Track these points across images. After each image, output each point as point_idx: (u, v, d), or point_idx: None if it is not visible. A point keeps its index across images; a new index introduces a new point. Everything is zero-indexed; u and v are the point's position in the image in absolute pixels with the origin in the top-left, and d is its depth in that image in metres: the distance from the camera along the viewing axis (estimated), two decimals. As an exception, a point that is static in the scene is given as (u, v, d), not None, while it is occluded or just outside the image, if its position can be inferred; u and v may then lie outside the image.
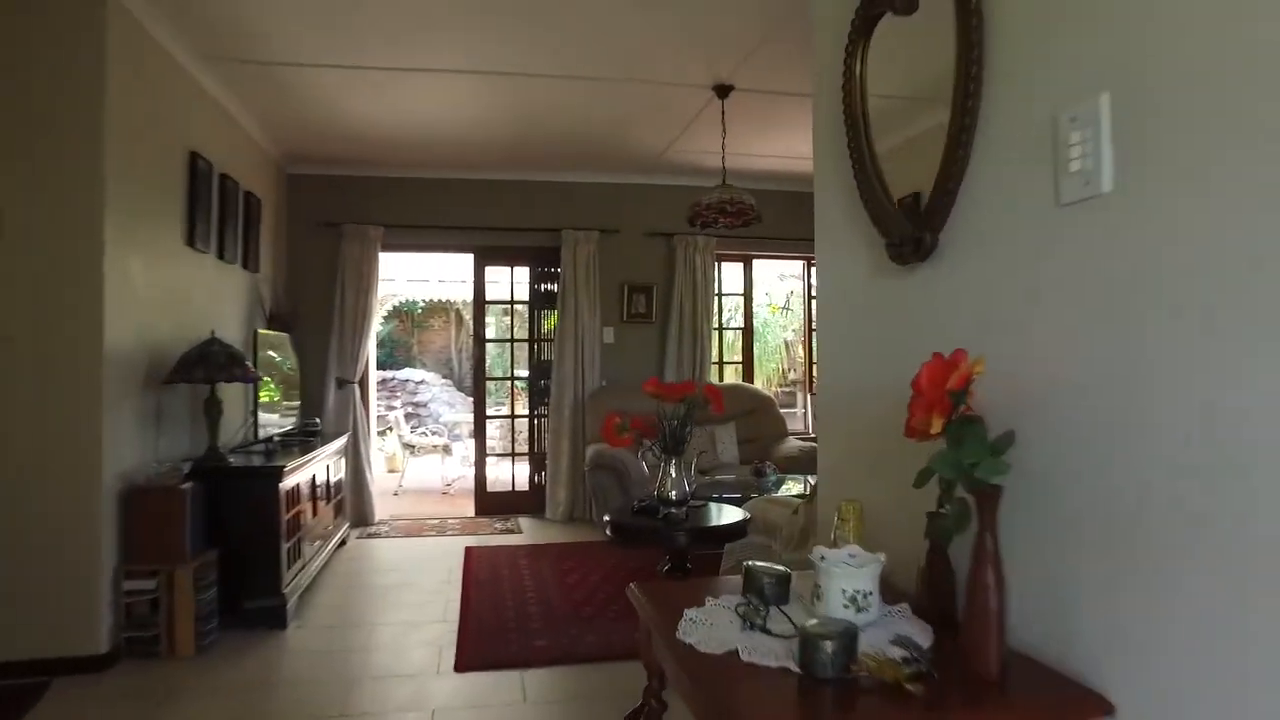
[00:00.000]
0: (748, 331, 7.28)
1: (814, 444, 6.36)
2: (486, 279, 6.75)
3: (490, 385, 7.43)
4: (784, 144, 5.98)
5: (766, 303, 9.08)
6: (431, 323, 14.24)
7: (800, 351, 7.52)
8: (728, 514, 3.11)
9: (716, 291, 6.97)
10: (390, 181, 6.44)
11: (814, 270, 7.58)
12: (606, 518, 3.12)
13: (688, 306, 6.83)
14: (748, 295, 7.26)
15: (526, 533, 6.05)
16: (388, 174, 6.42)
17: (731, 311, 7.23)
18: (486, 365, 6.83)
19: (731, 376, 7.58)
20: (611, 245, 6.77)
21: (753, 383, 7.33)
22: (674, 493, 3.00)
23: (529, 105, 5.04)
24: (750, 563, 1.49)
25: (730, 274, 7.16)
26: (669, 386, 3.07)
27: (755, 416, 6.64)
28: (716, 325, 7.03)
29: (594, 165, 6.51)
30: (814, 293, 7.60)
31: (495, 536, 5.91)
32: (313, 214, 6.25)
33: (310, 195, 6.29)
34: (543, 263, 6.76)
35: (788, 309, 8.85)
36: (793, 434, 7.03)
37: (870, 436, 1.80)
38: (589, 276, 6.60)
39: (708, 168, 6.54)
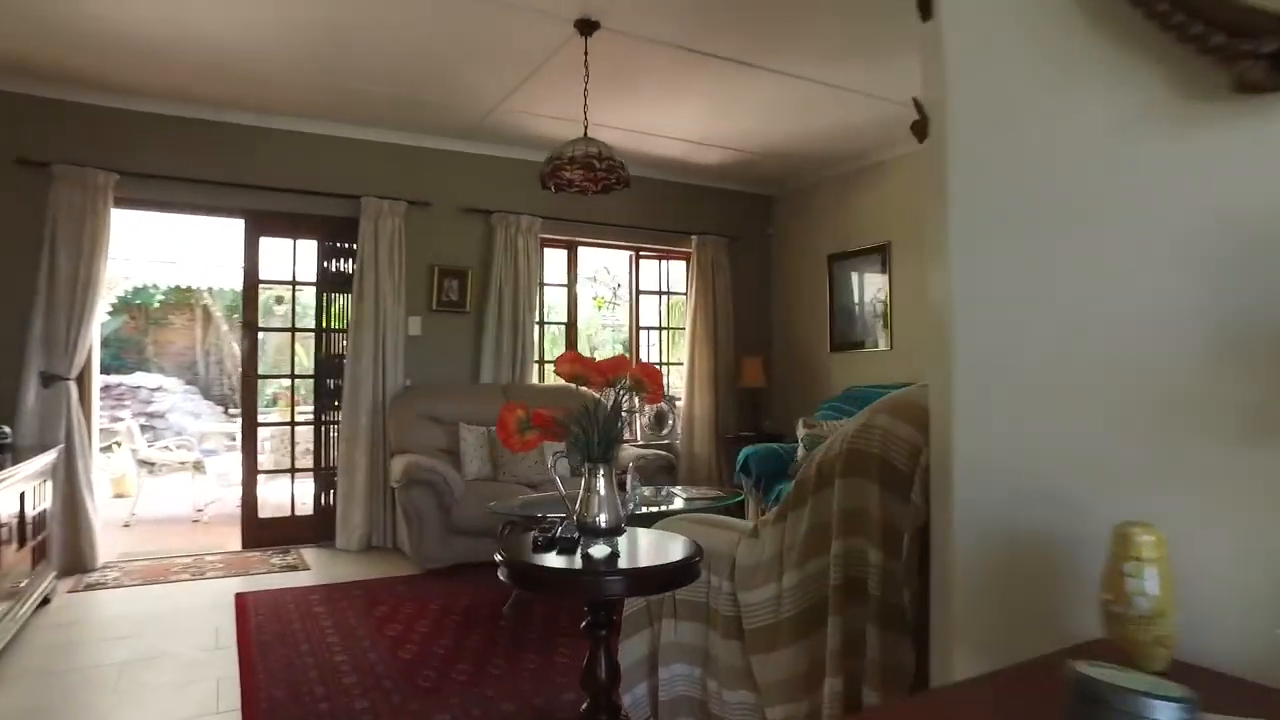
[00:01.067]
0: (571, 327, 6.46)
1: (658, 450, 5.65)
2: (262, 252, 5.35)
3: (263, 385, 5.90)
4: (646, 116, 5.26)
5: (591, 296, 8.35)
6: (172, 319, 11.88)
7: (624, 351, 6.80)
8: (666, 544, 2.25)
9: (540, 280, 6.09)
10: (134, 115, 4.86)
11: (641, 263, 6.97)
12: (499, 556, 2.15)
13: (508, 295, 5.89)
14: (572, 286, 6.45)
15: (315, 569, 4.76)
16: (131, 104, 4.83)
17: (552, 304, 6.40)
18: (259, 360, 5.41)
19: (551, 379, 6.72)
20: (421, 220, 5.66)
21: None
22: (603, 516, 2.12)
23: (342, 25, 3.89)
24: (1089, 669, 0.71)
25: (553, 262, 6.32)
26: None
27: (586, 421, 5.83)
28: (539, 319, 6.14)
29: (408, 121, 5.38)
30: (642, 286, 7.05)
31: (274, 576, 4.57)
32: (6, 145, 4.53)
33: (3, 118, 4.57)
34: (336, 236, 5.48)
35: (614, 304, 8.16)
36: (639, 444, 6.32)
37: (1153, 412, 1.08)
38: (393, 255, 5.44)
39: (541, 137, 5.67)
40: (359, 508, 5.23)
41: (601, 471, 2.14)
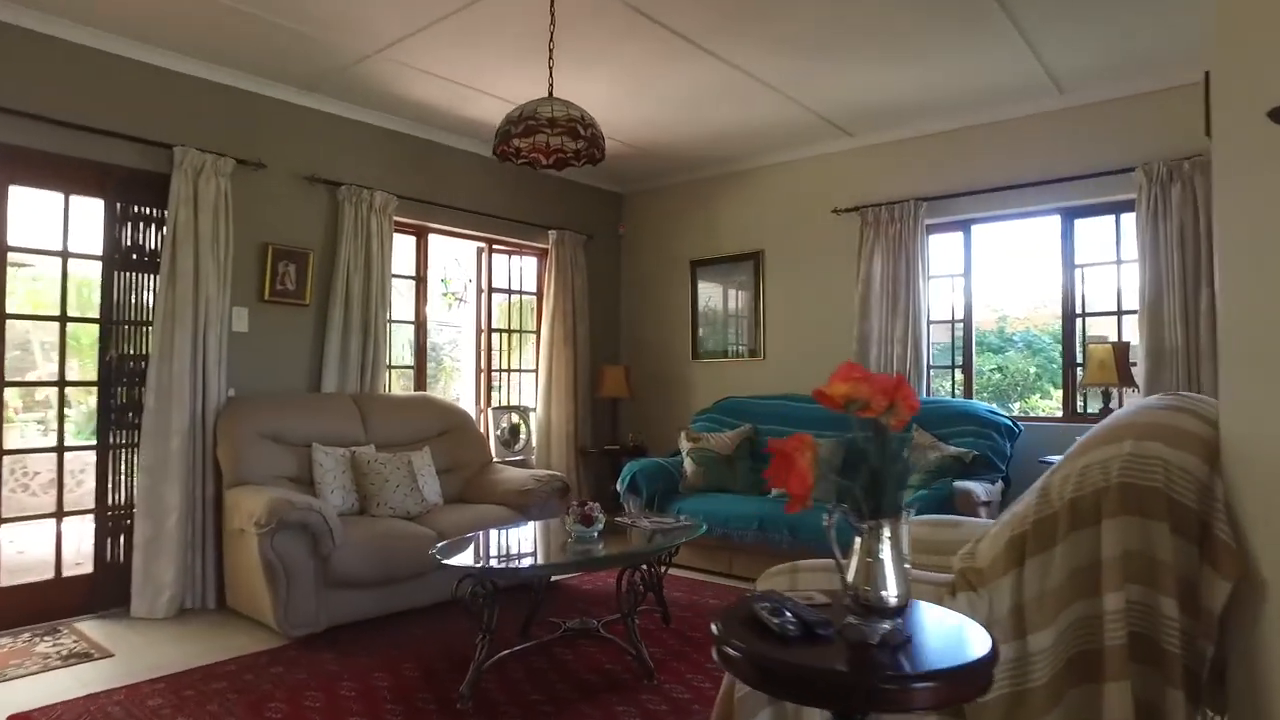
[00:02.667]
0: (420, 328, 5.43)
1: (550, 472, 4.87)
2: (11, 206, 3.69)
3: (11, 396, 4.03)
4: (546, 87, 4.45)
5: (442, 292, 7.10)
6: None
7: (482, 360, 5.93)
8: (951, 626, 1.60)
9: (391, 271, 5.02)
10: None
11: (493, 257, 6.08)
12: (734, 649, 1.41)
13: (358, 287, 4.76)
14: (421, 279, 5.43)
15: (121, 655, 3.32)
16: None
17: (399, 299, 5.32)
18: (4, 361, 3.72)
19: (398, 387, 5.61)
20: (252, 185, 4.36)
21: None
22: (890, 589, 1.48)
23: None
24: None
25: (399, 250, 5.25)
26: (879, 382, 1.55)
27: (451, 439, 4.89)
28: (390, 317, 5.04)
29: (250, 55, 4.07)
30: (493, 284, 6.09)
31: (55, 676, 3.10)
32: None
33: None
34: (135, 195, 3.99)
35: (462, 301, 7.04)
36: (500, 461, 5.45)
37: None
38: (218, 227, 4.10)
39: (416, 103, 4.70)
40: (169, 561, 3.82)
41: (887, 528, 1.53)
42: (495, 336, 6.00)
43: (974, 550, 2.03)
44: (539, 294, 6.27)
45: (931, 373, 5.28)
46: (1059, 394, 7.81)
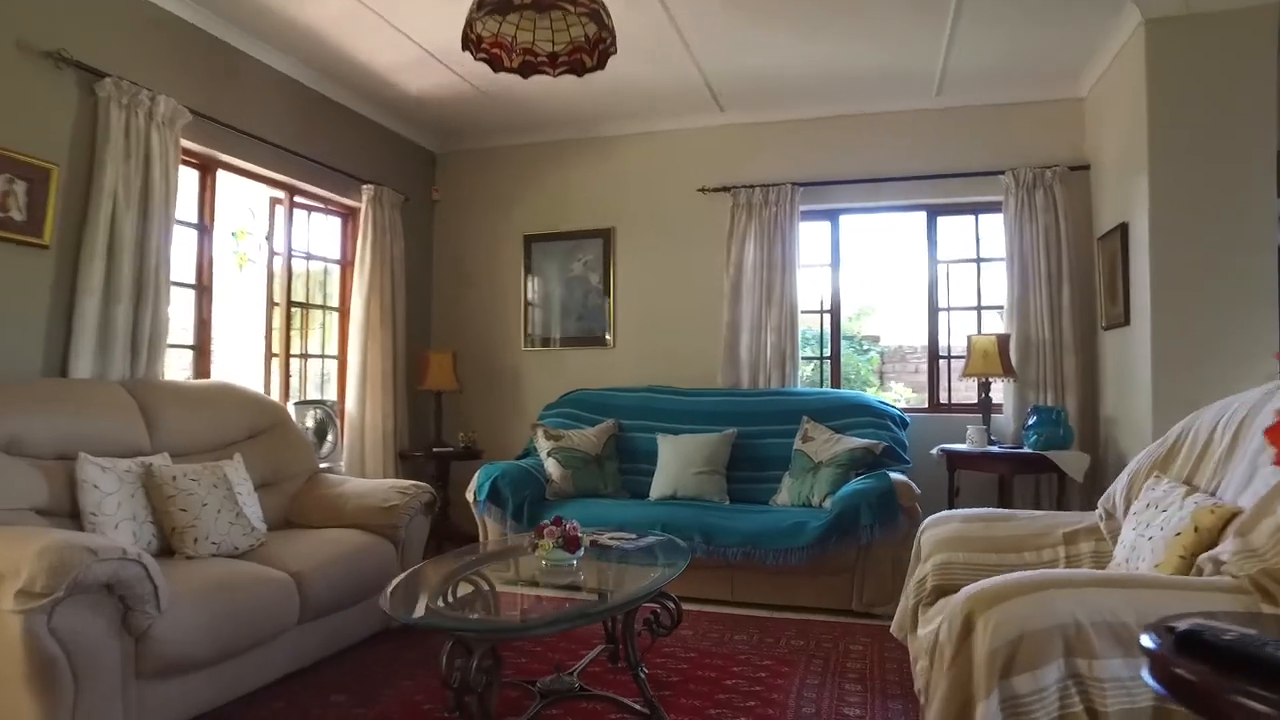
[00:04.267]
0: (205, 293, 3.92)
1: (417, 483, 3.79)
2: None
3: None
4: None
5: (234, 250, 5.10)
6: None
7: (278, 337, 4.52)
8: None
9: (175, 213, 3.53)
10: None
11: (294, 210, 4.60)
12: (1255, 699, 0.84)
13: (130, 230, 3.26)
14: (207, 229, 3.94)
15: None
16: None
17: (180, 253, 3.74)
18: None
19: (177, 371, 4.00)
20: (-37, 50, 2.73)
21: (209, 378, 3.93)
22: None
23: None
24: None
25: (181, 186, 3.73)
26: None
27: (267, 442, 3.57)
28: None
29: None
30: (294, 245, 4.53)
31: None
32: None
33: None
34: None
35: (254, 263, 5.19)
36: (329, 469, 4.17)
37: None
38: (-99, 105, 2.47)
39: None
40: None
41: None
42: (294, 314, 4.61)
43: (1253, 548, 1.67)
44: (345, 262, 4.99)
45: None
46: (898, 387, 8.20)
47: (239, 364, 4.85)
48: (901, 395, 7.64)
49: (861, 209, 4.97)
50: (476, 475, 4.30)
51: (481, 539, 4.31)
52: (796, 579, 3.71)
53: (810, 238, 5.04)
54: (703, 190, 5.06)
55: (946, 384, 4.88)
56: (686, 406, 4.75)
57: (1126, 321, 3.82)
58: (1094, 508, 2.57)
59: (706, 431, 4.54)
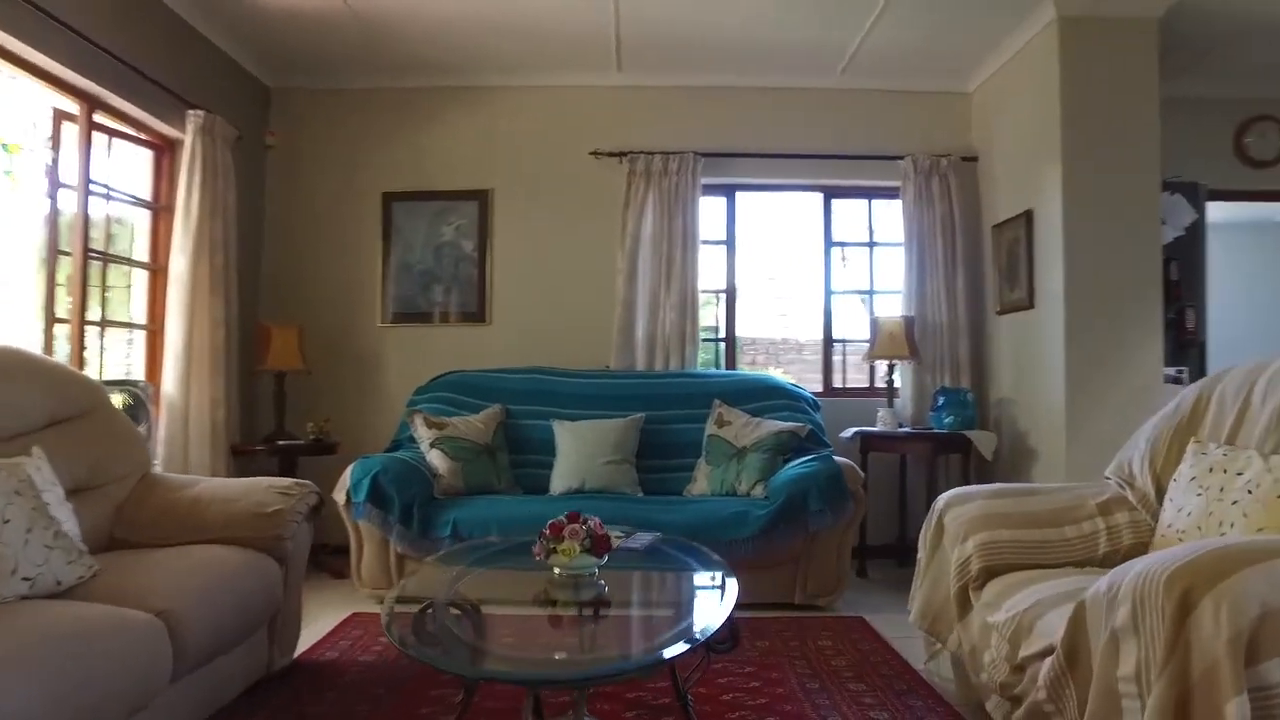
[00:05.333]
0: (-37, 228, 2.78)
1: (290, 480, 3.00)
2: None
3: None
4: None
5: (5, 169, 3.48)
6: None
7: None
8: None
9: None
10: None
11: (92, 134, 3.42)
12: None
13: None
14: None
15: None
16: None
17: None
18: None
19: None
20: None
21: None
22: None
23: None
24: None
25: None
26: None
27: (79, 431, 2.59)
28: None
29: None
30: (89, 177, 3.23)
31: None
32: None
33: None
34: None
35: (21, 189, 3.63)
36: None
37: None
38: None
39: None
40: None
41: None
42: (91, 269, 3.49)
43: None
44: (158, 208, 3.91)
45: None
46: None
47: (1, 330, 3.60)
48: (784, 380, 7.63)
49: (759, 186, 4.79)
50: (349, 471, 3.52)
51: (355, 550, 3.53)
52: (736, 574, 3.39)
53: (706, 214, 4.77)
54: (596, 154, 4.60)
55: (842, 368, 4.83)
56: (584, 390, 4.27)
57: (1031, 305, 3.94)
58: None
59: (609, 417, 4.10)
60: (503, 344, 4.63)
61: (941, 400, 4.10)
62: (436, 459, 3.79)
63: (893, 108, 4.65)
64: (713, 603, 1.96)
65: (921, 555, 2.47)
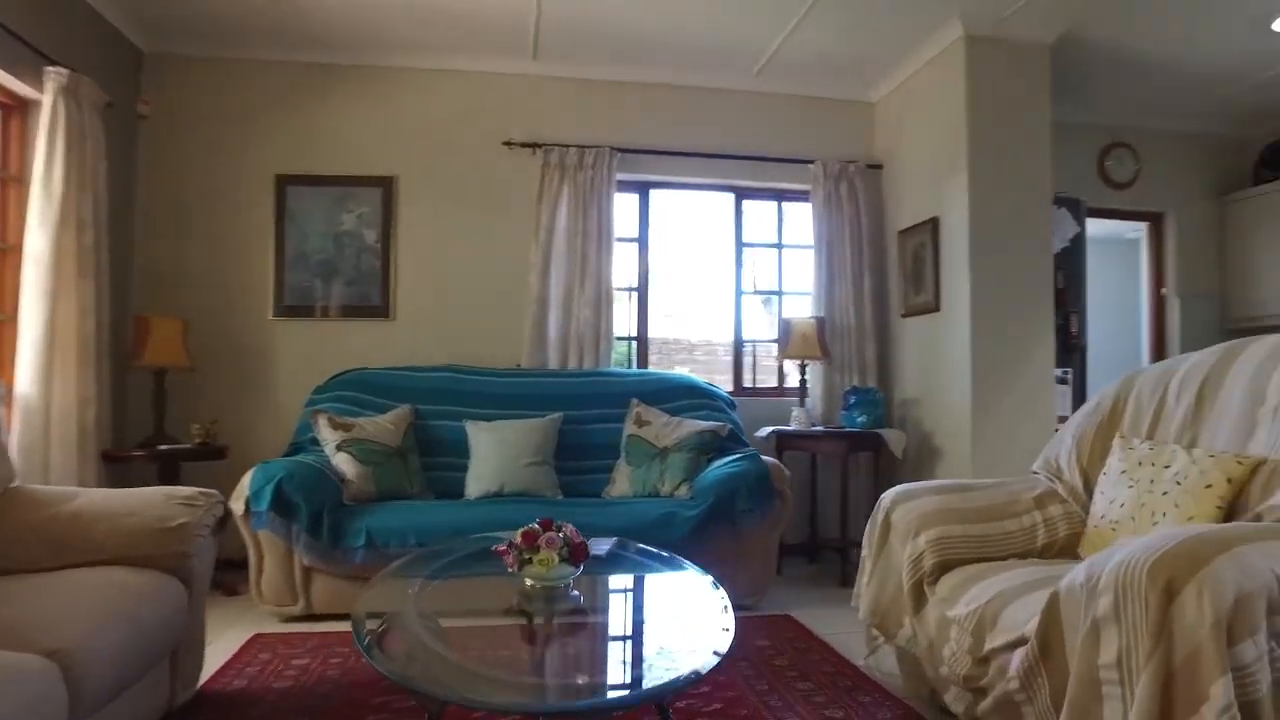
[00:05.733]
0: None
1: (194, 489, 2.71)
2: None
3: None
4: None
5: None
6: None
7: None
8: None
9: None
10: None
11: None
12: None
13: None
14: None
15: None
16: None
17: None
18: None
19: None
20: None
21: None
22: None
23: None
24: None
25: None
26: None
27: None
28: None
29: None
30: None
31: None
32: None
33: None
34: None
35: None
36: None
37: None
38: None
39: None
40: None
41: None
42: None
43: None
44: (6, 178, 3.41)
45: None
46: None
47: None
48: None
49: (672, 184, 4.77)
50: (248, 478, 3.20)
51: (255, 564, 3.22)
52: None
53: (620, 210, 4.70)
54: (509, 144, 4.43)
55: (751, 368, 4.89)
56: (498, 389, 4.09)
57: (937, 308, 4.13)
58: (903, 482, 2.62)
59: (524, 417, 3.95)
60: (407, 340, 4.37)
61: (854, 399, 4.22)
62: (344, 463, 3.51)
63: (804, 112, 4.75)
64: (713, 611, 1.88)
65: (867, 552, 2.51)
